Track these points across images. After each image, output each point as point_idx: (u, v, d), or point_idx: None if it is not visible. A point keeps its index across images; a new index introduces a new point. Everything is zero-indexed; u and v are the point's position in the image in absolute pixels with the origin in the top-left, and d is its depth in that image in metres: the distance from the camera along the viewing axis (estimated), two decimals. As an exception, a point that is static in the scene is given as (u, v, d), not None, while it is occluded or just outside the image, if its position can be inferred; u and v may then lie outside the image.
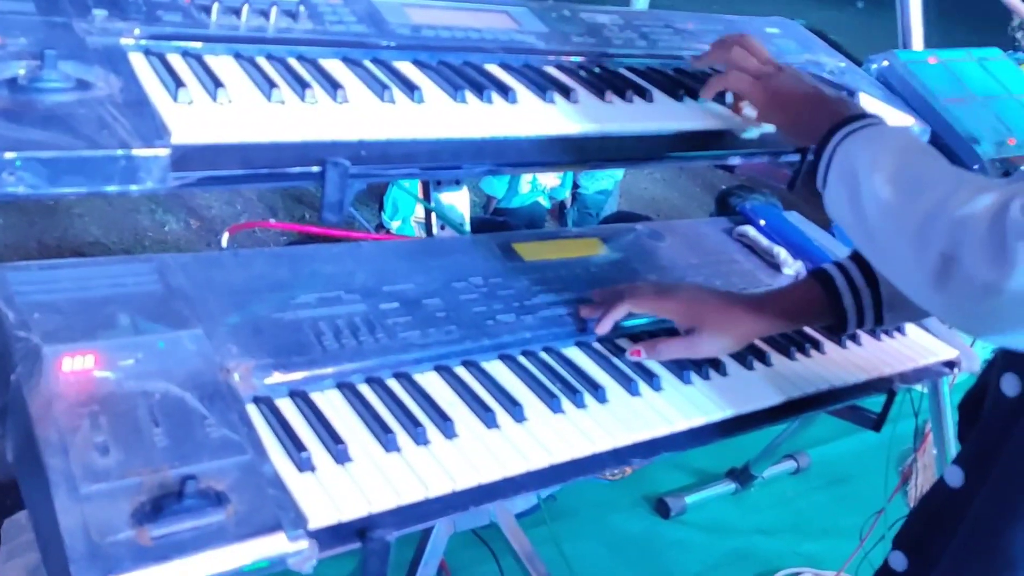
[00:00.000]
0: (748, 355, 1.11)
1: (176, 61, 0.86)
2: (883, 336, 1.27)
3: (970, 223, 0.73)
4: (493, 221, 3.65)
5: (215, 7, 0.91)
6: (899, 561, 0.91)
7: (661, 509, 2.33)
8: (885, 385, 1.19)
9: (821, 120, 0.95)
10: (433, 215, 1.28)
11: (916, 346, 1.28)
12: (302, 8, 0.96)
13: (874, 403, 1.28)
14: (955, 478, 0.86)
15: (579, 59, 1.12)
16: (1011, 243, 0.69)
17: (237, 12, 0.92)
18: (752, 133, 1.09)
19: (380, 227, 3.59)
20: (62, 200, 3.89)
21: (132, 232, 3.81)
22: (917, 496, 2.23)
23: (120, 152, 0.71)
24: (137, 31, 0.85)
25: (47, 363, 0.76)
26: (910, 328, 1.31)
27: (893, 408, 1.29)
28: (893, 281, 0.86)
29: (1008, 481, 0.80)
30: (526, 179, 3.84)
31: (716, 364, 1.08)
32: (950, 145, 1.40)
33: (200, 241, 3.92)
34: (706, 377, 1.06)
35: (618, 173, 4.34)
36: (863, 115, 0.96)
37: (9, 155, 0.67)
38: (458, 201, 1.36)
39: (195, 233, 4.01)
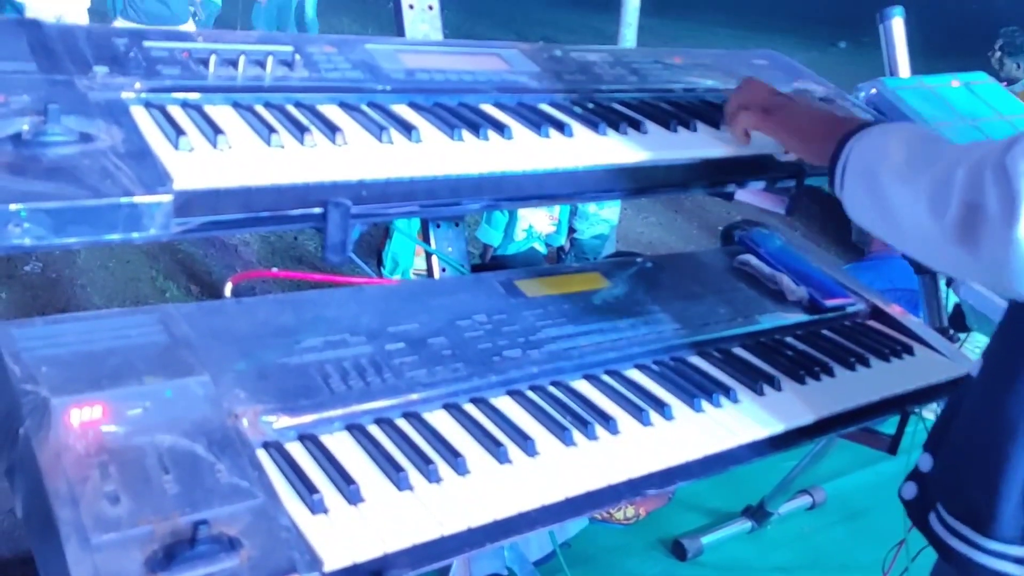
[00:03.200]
0: (758, 380, 1.10)
1: (176, 112, 0.87)
2: (892, 358, 1.26)
3: (987, 162, 0.77)
4: (491, 268, 3.66)
5: (212, 59, 0.92)
6: (926, 462, 0.94)
7: (677, 551, 2.29)
8: (898, 404, 1.18)
9: (834, 137, 0.99)
10: (434, 258, 1.29)
11: (925, 365, 1.27)
12: (297, 57, 0.98)
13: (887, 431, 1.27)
14: (976, 367, 0.89)
15: (572, 95, 1.14)
16: (1015, 178, 0.73)
17: (234, 63, 0.94)
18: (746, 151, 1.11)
19: (381, 282, 3.61)
20: (64, 272, 3.93)
21: (134, 300, 3.84)
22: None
23: (124, 200, 0.72)
24: (137, 85, 0.87)
25: (55, 415, 0.76)
26: (918, 348, 1.31)
27: (905, 439, 1.27)
28: (924, 259, 0.89)
29: (1012, 350, 0.83)
30: (521, 227, 3.86)
31: (727, 390, 1.07)
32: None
33: (202, 306, 3.93)
34: (717, 404, 1.05)
35: (614, 218, 4.36)
36: (870, 123, 1.00)
37: (15, 207, 0.68)
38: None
39: (196, 299, 4.03)
